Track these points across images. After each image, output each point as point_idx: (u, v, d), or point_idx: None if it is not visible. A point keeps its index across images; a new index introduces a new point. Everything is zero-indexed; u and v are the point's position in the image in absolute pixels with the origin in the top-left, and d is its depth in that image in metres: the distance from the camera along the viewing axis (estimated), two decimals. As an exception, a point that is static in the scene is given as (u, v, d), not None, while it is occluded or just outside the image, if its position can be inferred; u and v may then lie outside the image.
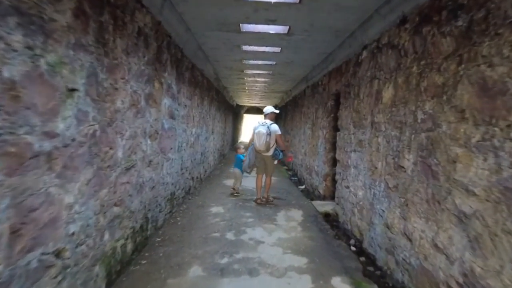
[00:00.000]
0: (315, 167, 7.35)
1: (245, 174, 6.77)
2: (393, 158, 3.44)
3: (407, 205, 3.12)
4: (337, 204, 5.51)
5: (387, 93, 3.68)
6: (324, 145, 6.62)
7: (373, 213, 3.94)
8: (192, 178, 6.64)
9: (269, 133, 5.99)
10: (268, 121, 6.15)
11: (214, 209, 5.64)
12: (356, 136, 4.66)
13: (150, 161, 3.81)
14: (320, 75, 7.12)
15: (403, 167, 3.23)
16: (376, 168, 3.90)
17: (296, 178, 9.60)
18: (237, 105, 20.41)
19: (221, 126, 12.02)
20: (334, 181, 6.46)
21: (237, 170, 6.97)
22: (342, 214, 5.15)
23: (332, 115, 6.37)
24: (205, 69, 7.22)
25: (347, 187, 4.97)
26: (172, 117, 4.74)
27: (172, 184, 4.96)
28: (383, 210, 3.66)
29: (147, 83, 3.59)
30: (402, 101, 3.31)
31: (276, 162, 6.36)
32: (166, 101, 4.37)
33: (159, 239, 4.16)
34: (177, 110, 5.06)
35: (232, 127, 17.88)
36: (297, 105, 10.62)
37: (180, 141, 5.36)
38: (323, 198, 6.61)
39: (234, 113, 19.20)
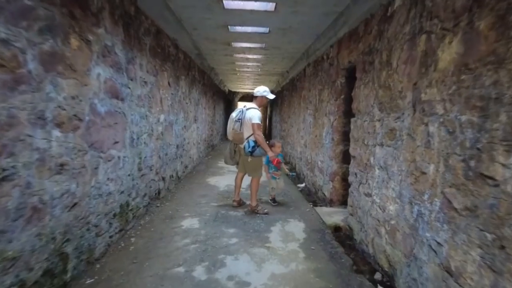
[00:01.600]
0: (319, 163, 5.92)
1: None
2: (465, 161, 2.00)
3: (502, 247, 1.70)
4: (351, 214, 4.10)
5: (448, 53, 2.22)
6: (331, 136, 5.17)
7: (416, 242, 2.53)
8: (163, 179, 5.19)
9: (239, 120, 4.62)
10: (251, 106, 4.77)
11: (187, 223, 4.19)
12: (384, 123, 3.21)
13: (62, 165, 2.33)
14: (326, 46, 5.63)
15: (491, 177, 1.79)
16: (423, 173, 2.46)
17: (294, 174, 8.17)
18: (230, 91, 18.86)
19: (208, 113, 10.51)
20: (344, 182, 5.04)
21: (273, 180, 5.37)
22: (360, 231, 3.74)
23: (342, 96, 4.90)
24: (180, 40, 5.69)
25: (368, 195, 3.55)
26: (117, 96, 3.25)
27: (122, 192, 3.50)
28: (438, 243, 2.24)
29: (45, 34, 2.10)
30: (486, 62, 1.86)
31: (272, 163, 5.02)
32: (100, 72, 2.87)
33: (91, 280, 2.72)
34: (128, 88, 3.56)
35: (224, 115, 16.37)
36: (295, 88, 9.12)
37: (137, 132, 3.88)
38: (330, 202, 5.20)
39: (227, 100, 17.68)
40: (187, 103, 6.88)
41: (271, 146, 5.00)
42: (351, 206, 4.10)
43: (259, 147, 4.63)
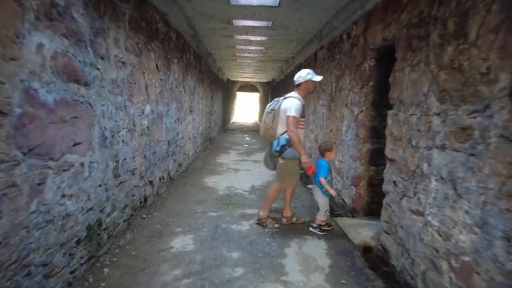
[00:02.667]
0: (336, 163, 5.02)
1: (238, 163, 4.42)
2: None
3: None
4: (386, 232, 3.23)
5: None
6: (356, 131, 4.26)
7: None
8: (150, 183, 4.28)
9: (272, 111, 3.64)
10: (289, 94, 3.72)
11: (178, 242, 3.30)
12: (449, 118, 2.30)
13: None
14: (347, 23, 4.67)
15: None
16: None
17: (302, 172, 7.26)
18: (228, 80, 17.85)
19: (205, 103, 9.56)
20: (371, 188, 4.16)
21: (318, 191, 3.90)
22: (401, 256, 2.87)
23: (371, 83, 3.97)
24: (171, 15, 4.72)
25: (418, 212, 2.67)
26: (77, 80, 2.31)
27: (89, 210, 2.60)
28: None
29: None
30: None
31: (302, 169, 3.87)
32: (44, 42, 1.93)
33: None
34: (97, 69, 2.62)
35: (222, 105, 15.40)
36: (302, 76, 8.17)
37: (111, 127, 2.96)
38: (352, 212, 4.33)
39: (225, 90, 16.68)
40: (180, 92, 5.93)
41: (326, 149, 3.90)
42: (387, 222, 3.22)
43: (292, 147, 3.58)
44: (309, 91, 3.85)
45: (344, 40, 4.86)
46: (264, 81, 18.81)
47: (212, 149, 9.93)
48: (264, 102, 22.04)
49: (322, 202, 3.81)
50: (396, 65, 3.16)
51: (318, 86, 6.47)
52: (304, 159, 3.64)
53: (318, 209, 3.90)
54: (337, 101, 5.10)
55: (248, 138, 13.85)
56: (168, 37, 4.91)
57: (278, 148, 3.59)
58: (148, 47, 3.96)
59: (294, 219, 4.01)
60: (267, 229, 3.74)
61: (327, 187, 3.74)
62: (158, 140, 4.55)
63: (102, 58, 2.72)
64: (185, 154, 6.66)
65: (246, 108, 34.03)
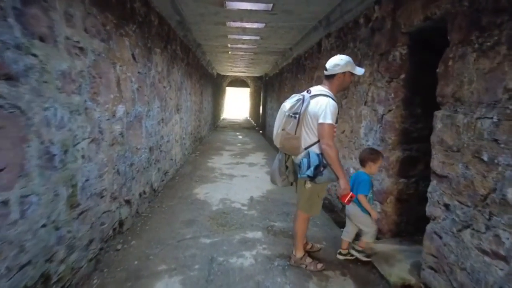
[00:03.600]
0: (351, 171, 4.24)
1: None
2: None
3: None
4: (433, 269, 2.47)
5: None
6: (381, 135, 3.48)
7: None
8: (127, 202, 3.42)
9: (295, 115, 2.60)
10: (320, 90, 2.73)
11: (161, 290, 2.49)
12: None
13: None
14: (365, 4, 3.87)
15: None
16: None
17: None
18: (218, 74, 16.92)
19: (194, 100, 8.67)
20: (401, 204, 3.40)
21: (356, 210, 2.99)
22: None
23: (402, 75, 3.19)
24: (151, -7, 3.84)
25: (495, 255, 1.91)
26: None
27: (26, 265, 1.75)
28: None
29: None
30: None
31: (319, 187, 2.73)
32: None
33: None
34: (32, 55, 1.76)
35: (212, 102, 14.50)
36: (302, 69, 7.35)
37: (62, 140, 2.10)
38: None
39: (215, 85, 15.76)
40: (165, 87, 5.05)
41: (370, 158, 2.95)
42: (434, 257, 2.47)
43: (327, 168, 2.57)
44: (344, 86, 2.89)
45: (361, 24, 4.06)
46: (256, 75, 17.95)
47: (202, 150, 9.06)
48: (255, 97, 21.20)
49: (365, 221, 2.97)
50: (450, 51, 2.38)
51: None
52: (344, 184, 2.62)
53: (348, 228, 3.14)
54: (351, 97, 4.31)
55: (240, 137, 13.02)
56: (149, 21, 4.02)
57: (310, 172, 2.52)
58: (120, 31, 3.08)
59: (308, 247, 3.18)
60: (308, 271, 2.87)
61: (368, 207, 2.92)
62: (137, 148, 3.69)
63: (42, 39, 1.85)
64: (172, 159, 5.80)
65: (236, 104, 33.12)
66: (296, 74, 8.01)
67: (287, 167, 2.84)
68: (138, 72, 3.67)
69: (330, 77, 2.76)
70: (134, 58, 3.51)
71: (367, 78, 3.84)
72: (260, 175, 6.24)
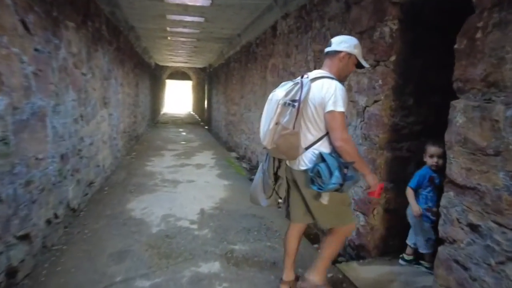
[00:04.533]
0: (321, 174, 3.59)
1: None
2: None
3: None
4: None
5: None
6: (365, 132, 2.81)
7: None
8: (23, 239, 2.34)
9: (293, 102, 1.89)
10: (318, 73, 2.08)
11: None
12: None
13: None
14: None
15: None
16: None
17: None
18: (157, 65, 15.47)
19: (128, 92, 7.43)
20: (390, 216, 2.80)
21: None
22: None
23: (393, 57, 2.53)
24: None
25: None
26: None
27: None
28: None
29: None
30: None
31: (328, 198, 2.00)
32: None
33: None
34: None
35: (150, 95, 13.11)
36: (254, 57, 6.57)
37: None
38: (358, 249, 2.93)
39: (153, 76, 14.33)
40: (84, 75, 3.91)
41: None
42: (455, 293, 1.86)
43: (350, 169, 1.89)
44: (346, 74, 2.18)
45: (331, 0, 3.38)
46: (199, 66, 16.80)
47: (139, 151, 7.85)
48: (198, 90, 20.02)
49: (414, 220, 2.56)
50: (477, 18, 1.75)
51: (278, 67, 4.99)
52: (372, 179, 2.04)
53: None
54: (319, 87, 3.63)
55: (184, 133, 11.89)
56: (52, -19, 2.90)
57: (339, 179, 1.84)
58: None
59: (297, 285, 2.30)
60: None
61: (413, 202, 2.50)
62: (37, 159, 2.59)
63: None
64: (99, 166, 4.65)
65: (178, 98, 31.41)
66: (246, 63, 7.21)
67: (276, 178, 2.09)
68: (36, 50, 2.56)
69: (332, 55, 2.11)
70: (26, 27, 2.40)
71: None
72: (210, 179, 5.35)
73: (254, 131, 6.55)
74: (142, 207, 3.97)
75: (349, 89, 3.04)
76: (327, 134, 1.99)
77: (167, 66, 18.01)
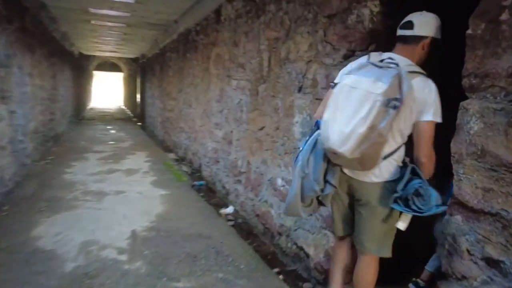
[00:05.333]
0: (278, 182, 3.06)
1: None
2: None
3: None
4: None
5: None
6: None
7: None
8: None
9: (396, 103, 1.43)
10: (404, 61, 1.59)
11: None
12: None
13: None
14: None
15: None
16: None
17: (202, 183, 5.08)
18: (81, 54, 13.72)
19: (41, 85, 6.17)
20: None
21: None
22: None
23: (372, 46, 2.08)
24: None
25: None
26: None
27: None
28: None
29: None
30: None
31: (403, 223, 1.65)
32: None
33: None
34: None
35: (73, 88, 11.51)
36: (193, 47, 5.83)
37: None
38: (327, 275, 2.48)
39: (77, 67, 12.65)
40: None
41: None
42: None
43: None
44: (425, 57, 1.70)
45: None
46: (130, 57, 15.33)
47: (58, 154, 6.62)
48: (129, 83, 18.39)
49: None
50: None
51: (224, 58, 4.38)
52: None
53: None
54: (275, 80, 3.10)
55: (113, 131, 10.60)
56: None
57: (438, 202, 1.56)
58: None
59: None
60: None
61: None
62: None
63: None
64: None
65: (107, 91, 28.83)
66: (184, 53, 6.44)
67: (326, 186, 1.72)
68: None
69: (412, 40, 1.66)
70: None
71: (303, 52, 2.67)
72: (144, 189, 4.54)
73: (196, 129, 5.86)
74: (55, 232, 3.08)
75: (314, 85, 2.55)
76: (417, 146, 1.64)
77: (94, 56, 16.17)
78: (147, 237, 3.07)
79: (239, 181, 3.96)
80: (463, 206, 1.51)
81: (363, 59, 1.69)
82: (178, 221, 3.44)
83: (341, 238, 1.92)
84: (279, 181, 3.05)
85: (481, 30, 1.41)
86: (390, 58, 1.62)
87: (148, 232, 3.18)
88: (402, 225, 1.65)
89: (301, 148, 1.77)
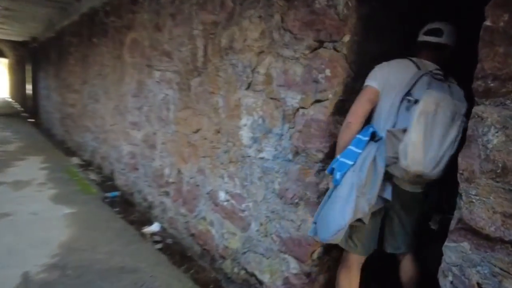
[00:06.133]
0: (221, 197, 2.56)
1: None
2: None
3: None
4: None
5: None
6: (297, 146, 1.92)
7: None
8: None
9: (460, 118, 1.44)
10: (432, 67, 1.66)
11: None
12: None
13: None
14: None
15: None
16: None
17: (116, 194, 4.26)
18: None
19: None
20: (331, 258, 2.08)
21: None
22: None
23: (347, 37, 1.70)
24: None
25: None
26: None
27: None
28: None
29: None
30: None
31: None
32: None
33: None
34: None
35: None
36: (102, 29, 4.85)
37: None
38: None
39: None
40: None
41: None
42: None
43: None
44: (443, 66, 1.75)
45: None
46: (17, 39, 12.77)
47: None
48: (17, 71, 15.45)
49: None
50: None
51: (144, 45, 3.69)
52: None
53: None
54: (214, 73, 2.57)
55: (-4, 129, 8.63)
56: None
57: None
58: None
59: None
60: None
61: None
62: None
63: None
64: None
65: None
66: (90, 38, 5.37)
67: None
68: None
69: (439, 48, 1.73)
70: None
71: (252, 41, 2.21)
72: (40, 207, 3.55)
73: (106, 129, 4.94)
74: None
75: (267, 81, 2.12)
76: None
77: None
78: (46, 281, 2.26)
79: (166, 193, 3.33)
80: (473, 232, 1.26)
81: (405, 63, 1.67)
82: (91, 251, 2.68)
83: (357, 261, 1.79)
84: (222, 195, 2.56)
85: (503, 22, 1.15)
86: (437, 69, 1.64)
87: (49, 272, 2.36)
88: (435, 224, 1.71)
89: (346, 163, 1.56)
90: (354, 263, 1.78)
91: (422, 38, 1.74)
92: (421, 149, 1.39)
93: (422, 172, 1.42)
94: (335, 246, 2.02)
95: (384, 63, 1.67)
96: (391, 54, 1.84)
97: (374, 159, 1.52)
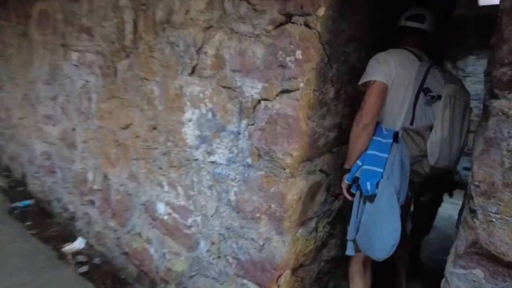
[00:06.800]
0: (160, 211, 2.07)
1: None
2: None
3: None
4: None
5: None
6: (259, 147, 1.53)
7: None
8: None
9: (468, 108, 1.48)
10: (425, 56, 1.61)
11: None
12: None
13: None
14: None
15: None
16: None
17: (29, 203, 3.45)
18: None
19: None
20: (302, 280, 1.74)
21: None
22: None
23: (321, 11, 1.32)
24: None
25: None
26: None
27: None
28: None
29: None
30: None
31: None
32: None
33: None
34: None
35: None
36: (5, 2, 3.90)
37: None
38: None
39: None
40: None
41: None
42: None
43: None
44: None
45: None
46: None
47: None
48: None
49: None
50: None
51: (47, 16, 2.98)
52: None
53: None
54: (147, 55, 2.04)
55: None
56: None
57: None
58: None
59: None
60: None
61: None
62: None
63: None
64: None
65: None
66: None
67: None
68: None
69: (423, 35, 1.62)
70: None
71: (197, 13, 1.73)
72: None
73: (13, 123, 4.03)
74: None
75: (218, 65, 1.67)
76: None
77: None
78: None
79: (91, 202, 2.72)
80: (490, 258, 1.00)
81: (406, 54, 1.56)
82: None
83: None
84: (161, 207, 2.07)
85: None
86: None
87: None
88: None
89: (376, 170, 1.41)
90: (366, 260, 1.70)
91: (405, 23, 1.64)
92: (447, 144, 1.39)
93: (447, 166, 1.46)
94: (302, 264, 1.69)
95: (384, 54, 1.51)
96: (367, 39, 1.52)
97: (401, 161, 1.42)
